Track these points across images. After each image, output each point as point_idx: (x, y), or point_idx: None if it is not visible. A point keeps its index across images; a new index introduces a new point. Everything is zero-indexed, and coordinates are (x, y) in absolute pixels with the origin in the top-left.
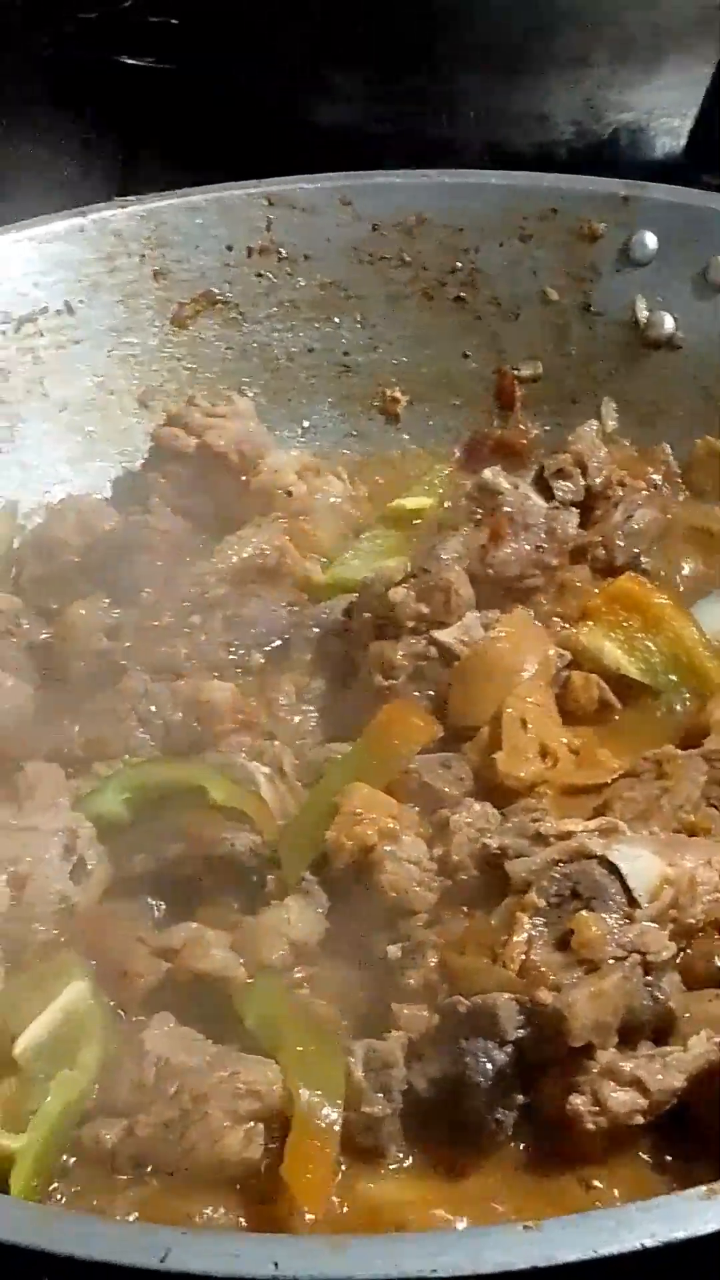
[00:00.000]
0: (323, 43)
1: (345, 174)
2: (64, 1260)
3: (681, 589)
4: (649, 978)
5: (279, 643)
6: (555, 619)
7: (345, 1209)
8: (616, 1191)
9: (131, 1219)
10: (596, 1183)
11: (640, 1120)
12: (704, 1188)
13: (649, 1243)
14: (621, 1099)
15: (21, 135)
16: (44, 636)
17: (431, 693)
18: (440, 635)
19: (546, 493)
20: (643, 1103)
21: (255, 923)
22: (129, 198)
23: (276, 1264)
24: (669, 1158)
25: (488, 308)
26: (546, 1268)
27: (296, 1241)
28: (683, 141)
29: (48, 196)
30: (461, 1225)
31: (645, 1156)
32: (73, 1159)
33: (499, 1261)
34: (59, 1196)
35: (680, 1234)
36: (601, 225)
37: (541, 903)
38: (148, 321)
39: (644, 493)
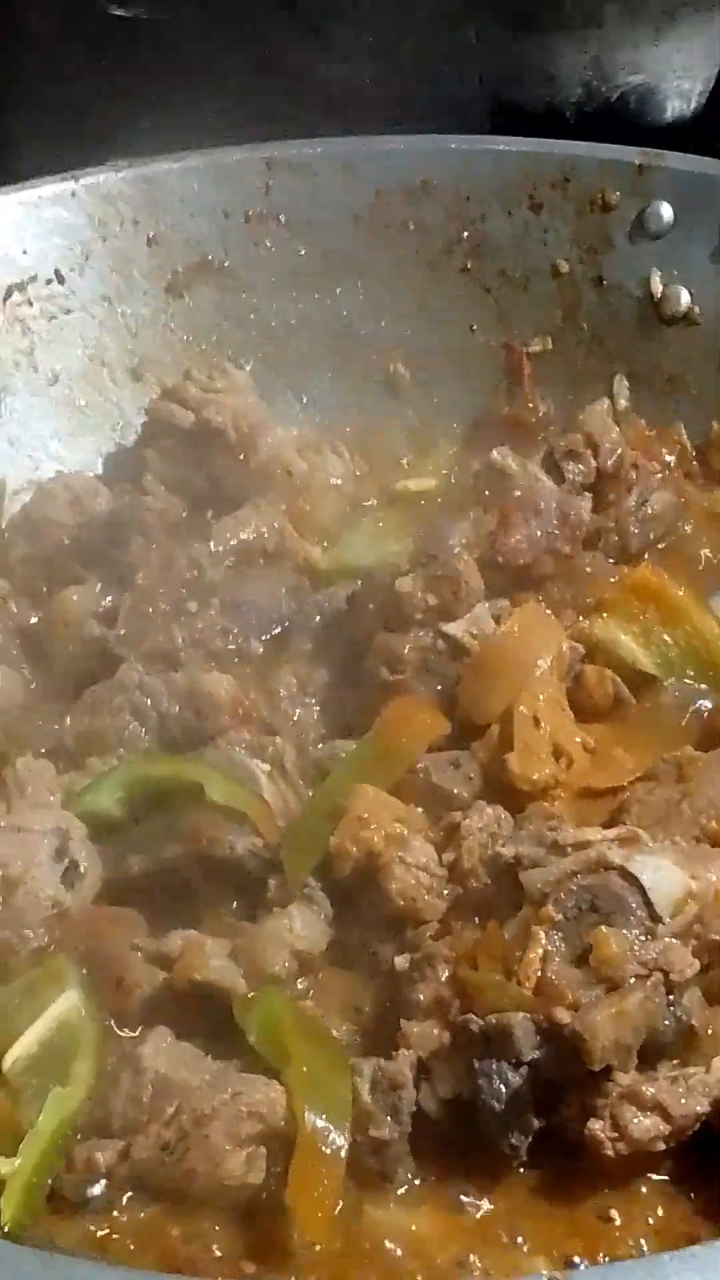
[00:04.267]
0: None
1: (348, 138)
2: None
3: (699, 578)
4: (671, 996)
5: (279, 630)
6: (567, 609)
7: (351, 1237)
8: (634, 1222)
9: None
10: (614, 1211)
11: (662, 1146)
12: None
13: None
14: (643, 1124)
15: (9, 96)
16: (33, 622)
17: (439, 687)
18: (449, 628)
19: (557, 475)
20: (665, 1128)
21: (256, 930)
22: (121, 161)
23: None
24: (690, 1185)
25: (496, 279)
26: None
27: None
28: (694, 104)
29: (37, 159)
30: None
31: (665, 1182)
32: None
33: None
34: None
35: None
36: (616, 194)
37: (559, 916)
38: (141, 290)
39: (658, 475)
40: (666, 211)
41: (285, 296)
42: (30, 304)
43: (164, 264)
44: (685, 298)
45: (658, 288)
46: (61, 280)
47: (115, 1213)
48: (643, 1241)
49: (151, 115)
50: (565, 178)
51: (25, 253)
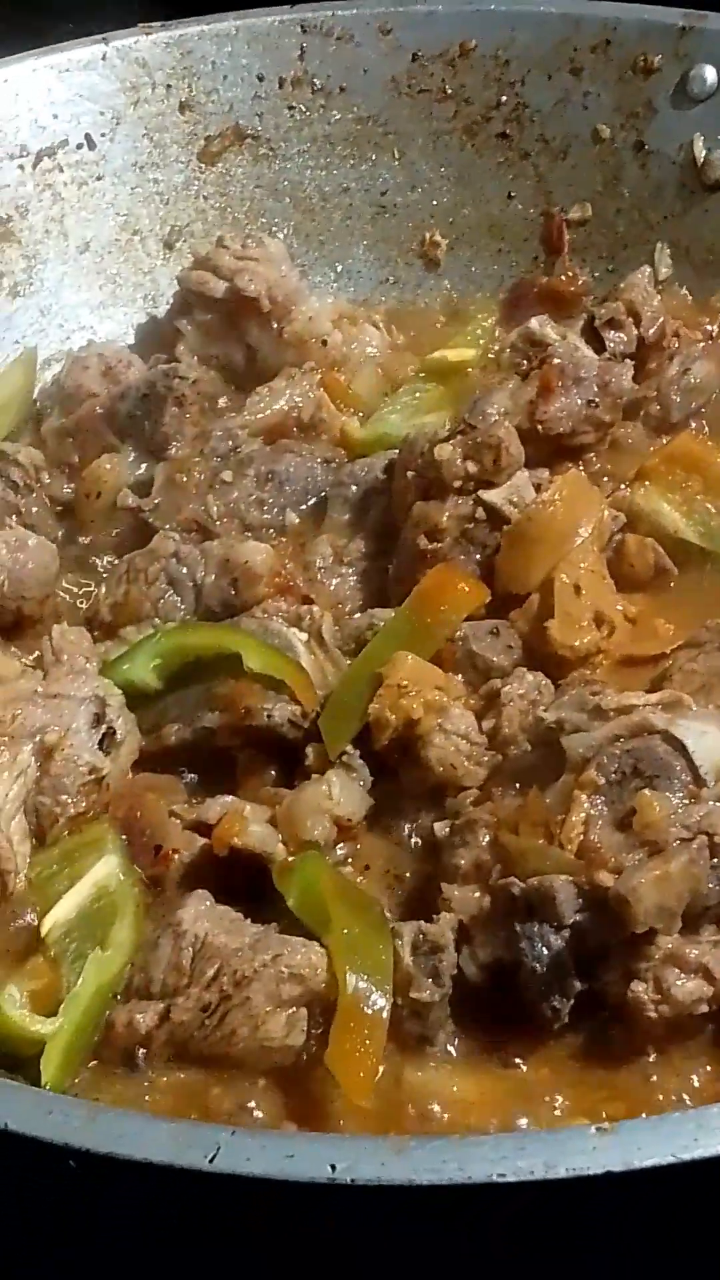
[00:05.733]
0: None
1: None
2: (103, 1159)
3: None
4: (715, 860)
5: (315, 501)
6: (607, 478)
7: (392, 1101)
8: (676, 1086)
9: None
10: (655, 1076)
11: (705, 1009)
12: None
13: None
14: (686, 987)
15: None
16: (66, 492)
17: (479, 556)
18: (489, 496)
19: (597, 344)
20: (709, 990)
21: (295, 797)
22: (154, 24)
23: (334, 1166)
24: None
25: (535, 145)
26: (622, 1172)
27: (355, 1142)
28: None
29: (67, 22)
30: (521, 1123)
31: (707, 1045)
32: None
33: (572, 1166)
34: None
35: None
36: (658, 58)
37: (601, 780)
38: (173, 157)
39: (701, 345)
40: (710, 74)
41: (319, 165)
42: (60, 170)
43: (196, 130)
44: None
45: (700, 153)
46: (92, 146)
47: (155, 1074)
48: (685, 1103)
49: None
50: (606, 40)
51: (55, 117)
